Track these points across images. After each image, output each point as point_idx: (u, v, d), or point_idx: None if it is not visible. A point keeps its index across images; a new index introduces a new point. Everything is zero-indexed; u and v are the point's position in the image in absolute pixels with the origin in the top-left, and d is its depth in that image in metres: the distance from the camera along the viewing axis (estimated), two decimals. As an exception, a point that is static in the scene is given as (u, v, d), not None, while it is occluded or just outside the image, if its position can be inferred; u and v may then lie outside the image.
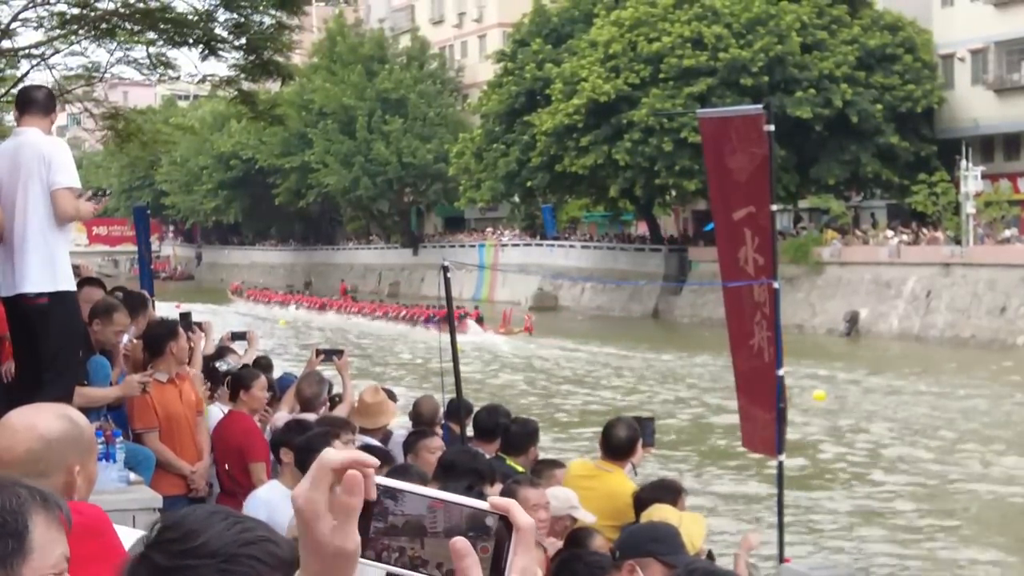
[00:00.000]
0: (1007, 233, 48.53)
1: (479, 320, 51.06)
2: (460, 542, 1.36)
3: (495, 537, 1.39)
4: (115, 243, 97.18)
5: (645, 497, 7.02)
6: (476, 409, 9.26)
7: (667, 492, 7.04)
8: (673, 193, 60.15)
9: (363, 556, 1.39)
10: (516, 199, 69.43)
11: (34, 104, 6.78)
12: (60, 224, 6.60)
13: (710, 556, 6.51)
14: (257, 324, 46.10)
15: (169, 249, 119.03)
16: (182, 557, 1.51)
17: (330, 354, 10.06)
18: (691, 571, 4.70)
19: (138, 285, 16.17)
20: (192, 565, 1.51)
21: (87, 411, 6.57)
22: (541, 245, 72.65)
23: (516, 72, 64.68)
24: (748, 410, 9.65)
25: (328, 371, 10.24)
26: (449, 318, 7.09)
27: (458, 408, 9.37)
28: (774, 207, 9.59)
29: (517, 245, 75.18)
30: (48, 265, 6.54)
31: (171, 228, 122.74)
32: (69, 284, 6.71)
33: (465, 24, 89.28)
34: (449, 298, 6.90)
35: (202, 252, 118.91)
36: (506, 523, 1.40)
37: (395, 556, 1.39)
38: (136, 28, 19.01)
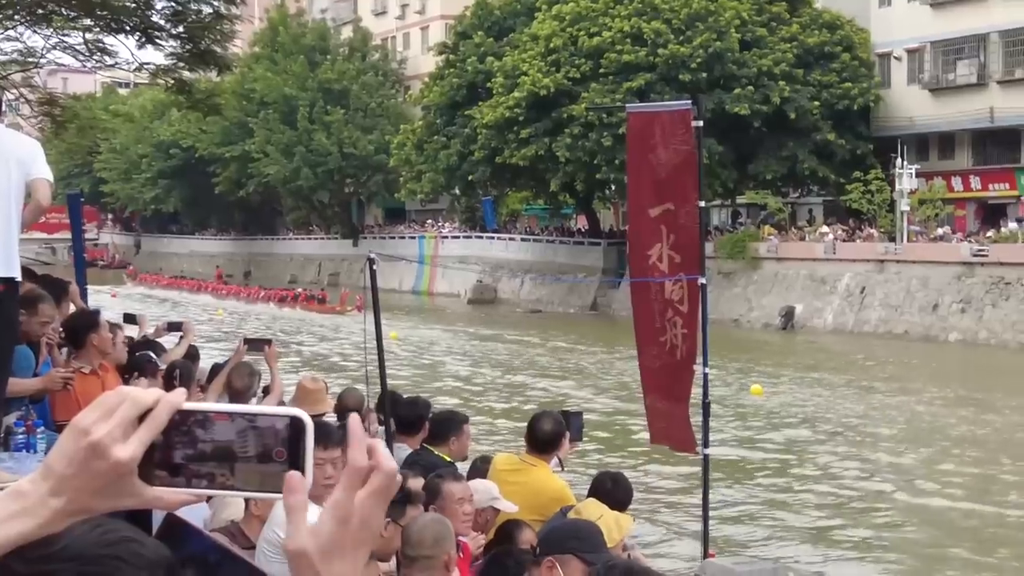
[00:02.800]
0: (940, 231, 49.23)
1: (320, 300, 59.41)
2: (295, 477, 1.37)
3: (288, 439, 1.39)
4: (52, 231, 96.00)
5: (597, 487, 7.12)
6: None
7: (621, 493, 7.15)
8: (612, 187, 60.35)
9: (172, 483, 1.38)
10: (456, 191, 69.37)
11: None
12: (40, 213, 6.75)
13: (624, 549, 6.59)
14: (151, 310, 45.68)
15: (108, 237, 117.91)
16: (42, 562, 1.44)
17: (258, 343, 9.97)
18: (610, 568, 4.75)
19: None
20: (53, 570, 1.45)
21: (9, 401, 6.59)
22: (481, 238, 72.73)
23: (458, 65, 64.63)
24: (658, 407, 9.74)
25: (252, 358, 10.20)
26: (375, 311, 7.13)
27: (383, 401, 9.37)
28: (702, 203, 9.69)
29: (457, 237, 75.20)
30: (16, 253, 6.54)
31: (110, 216, 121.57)
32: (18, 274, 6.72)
33: (408, 16, 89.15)
34: (375, 290, 6.92)
35: (141, 241, 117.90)
36: (294, 422, 1.39)
37: (204, 483, 1.39)
38: (72, 14, 18.87)
